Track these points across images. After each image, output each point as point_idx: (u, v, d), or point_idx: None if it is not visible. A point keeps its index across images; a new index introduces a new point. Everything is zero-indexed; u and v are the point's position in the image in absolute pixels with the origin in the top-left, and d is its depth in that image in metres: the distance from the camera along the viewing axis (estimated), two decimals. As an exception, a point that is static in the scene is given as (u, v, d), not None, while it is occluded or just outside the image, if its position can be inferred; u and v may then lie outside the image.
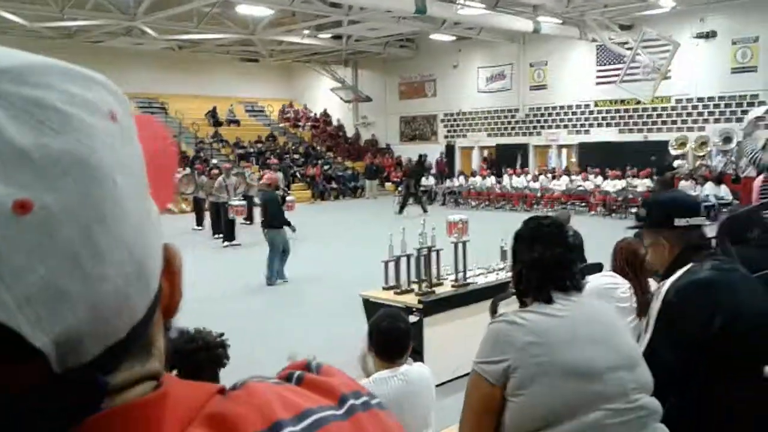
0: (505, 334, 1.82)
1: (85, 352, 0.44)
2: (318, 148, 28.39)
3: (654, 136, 20.65)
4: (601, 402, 1.77)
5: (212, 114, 27.96)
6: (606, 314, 2.01)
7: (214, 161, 20.58)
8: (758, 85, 18.69)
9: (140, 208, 0.48)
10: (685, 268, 2.22)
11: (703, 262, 2.21)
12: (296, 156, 26.21)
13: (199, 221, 16.62)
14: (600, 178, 19.35)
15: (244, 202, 14.58)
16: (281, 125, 30.00)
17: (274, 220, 9.98)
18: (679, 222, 2.28)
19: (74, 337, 0.43)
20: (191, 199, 17.82)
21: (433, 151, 25.86)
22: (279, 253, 9.92)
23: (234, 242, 13.90)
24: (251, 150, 25.94)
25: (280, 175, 16.50)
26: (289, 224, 10.24)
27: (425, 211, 17.38)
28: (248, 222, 16.47)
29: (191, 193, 17.41)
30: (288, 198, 14.97)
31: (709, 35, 19.31)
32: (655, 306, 2.20)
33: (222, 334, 2.50)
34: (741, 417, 2.16)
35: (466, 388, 1.89)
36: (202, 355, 2.23)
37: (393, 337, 2.78)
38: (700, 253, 2.25)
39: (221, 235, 14.22)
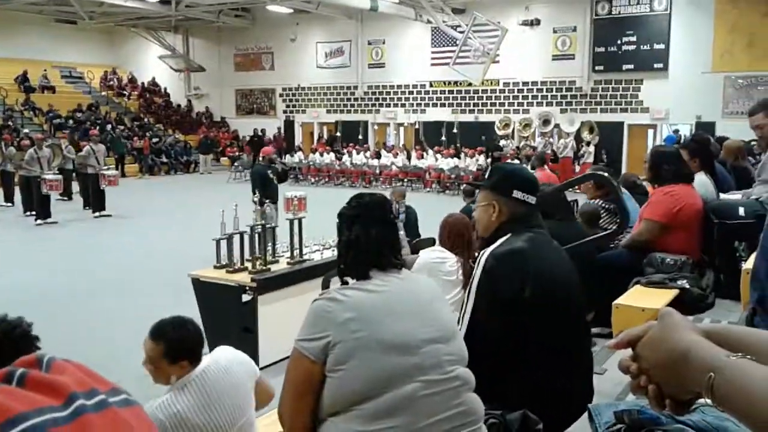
0: (325, 311, 1.81)
1: None
2: (146, 119, 26.62)
3: (484, 117, 21.69)
4: (417, 374, 1.79)
5: (23, 79, 25.17)
6: (426, 289, 2.03)
7: (25, 131, 18.58)
8: (575, 72, 20.24)
9: None
10: (504, 238, 2.41)
11: (521, 234, 2.41)
12: (121, 128, 24.31)
13: (8, 197, 15.06)
14: (438, 156, 19.84)
15: (59, 177, 13.28)
16: (104, 94, 27.72)
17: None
18: (516, 195, 2.46)
19: None
20: (-3, 173, 15.96)
21: (272, 126, 25.30)
22: None
23: (49, 220, 12.69)
24: (68, 120, 23.73)
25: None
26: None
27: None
28: (66, 198, 15.15)
29: (-3, 166, 15.57)
30: (108, 173, 13.81)
31: (534, 23, 20.55)
32: (477, 273, 2.37)
33: (18, 326, 2.06)
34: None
35: (287, 368, 1.85)
36: None
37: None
38: (521, 226, 2.43)
39: (34, 213, 12.97)
